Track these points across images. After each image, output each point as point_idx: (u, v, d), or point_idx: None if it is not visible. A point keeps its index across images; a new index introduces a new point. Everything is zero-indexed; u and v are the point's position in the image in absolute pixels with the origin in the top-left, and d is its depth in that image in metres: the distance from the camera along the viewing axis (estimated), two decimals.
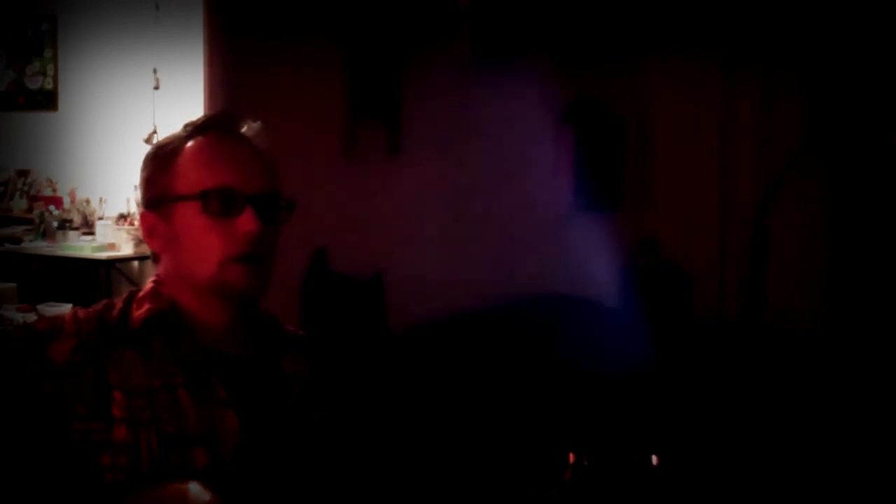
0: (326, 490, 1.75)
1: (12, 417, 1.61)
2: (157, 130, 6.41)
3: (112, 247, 7.17)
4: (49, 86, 8.04)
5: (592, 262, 5.34)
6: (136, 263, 7.14)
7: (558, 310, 4.83)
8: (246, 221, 1.71)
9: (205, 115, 1.88)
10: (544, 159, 5.26)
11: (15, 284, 6.92)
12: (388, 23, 4.20)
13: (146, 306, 1.74)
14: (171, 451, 1.64)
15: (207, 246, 1.72)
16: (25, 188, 8.18)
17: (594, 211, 5.54)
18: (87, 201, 7.80)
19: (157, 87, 6.12)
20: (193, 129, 1.83)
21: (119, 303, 1.78)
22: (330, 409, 1.82)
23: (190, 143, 1.78)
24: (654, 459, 1.61)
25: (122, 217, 7.45)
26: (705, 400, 4.50)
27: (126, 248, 7.17)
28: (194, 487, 1.55)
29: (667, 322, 5.31)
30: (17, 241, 7.53)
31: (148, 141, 7.12)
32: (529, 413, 4.13)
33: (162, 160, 1.79)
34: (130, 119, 7.13)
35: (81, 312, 1.74)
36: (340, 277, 3.91)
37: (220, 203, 1.72)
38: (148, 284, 1.82)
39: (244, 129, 1.83)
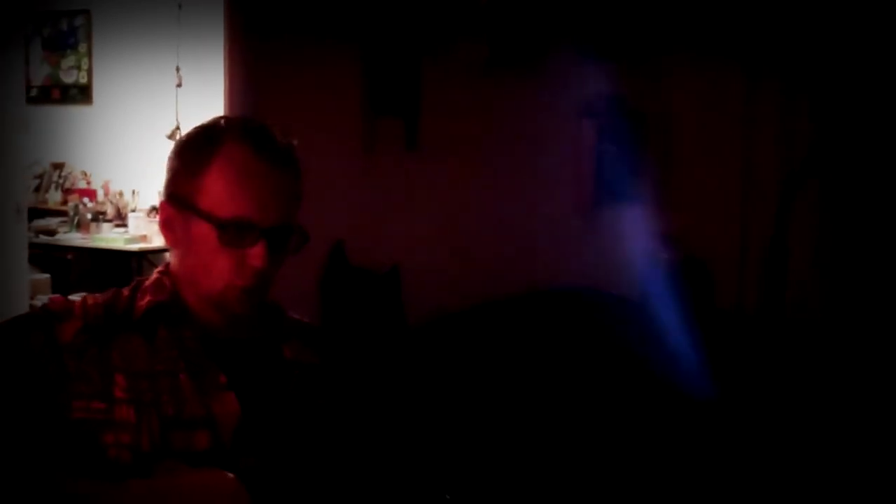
0: (325, 474, 1.79)
1: (15, 388, 1.68)
2: (180, 127, 6.50)
3: (144, 238, 7.29)
4: (84, 80, 8.14)
5: (613, 256, 5.38)
6: (167, 255, 7.23)
7: (576, 302, 4.87)
8: (257, 256, 1.72)
9: (243, 121, 1.83)
10: (565, 154, 5.29)
11: (48, 275, 7.06)
12: (406, 21, 4.26)
13: (148, 298, 1.78)
14: (172, 432, 1.69)
15: (215, 267, 1.73)
16: (60, 181, 8.30)
17: (615, 206, 5.57)
18: (120, 194, 7.92)
19: (179, 85, 6.20)
20: (229, 133, 1.78)
21: (126, 291, 1.83)
22: (331, 396, 1.85)
23: (222, 153, 1.73)
24: None
25: (154, 209, 7.57)
26: (725, 392, 4.51)
27: (157, 240, 7.27)
28: (225, 479, 1.62)
29: (688, 314, 5.33)
30: (52, 232, 7.65)
31: (171, 137, 7.22)
32: (546, 405, 4.17)
33: (191, 160, 1.76)
34: (158, 114, 7.24)
35: (91, 299, 1.80)
36: (358, 270, 3.98)
37: (234, 235, 1.72)
38: (154, 274, 1.85)
39: (280, 148, 1.78)
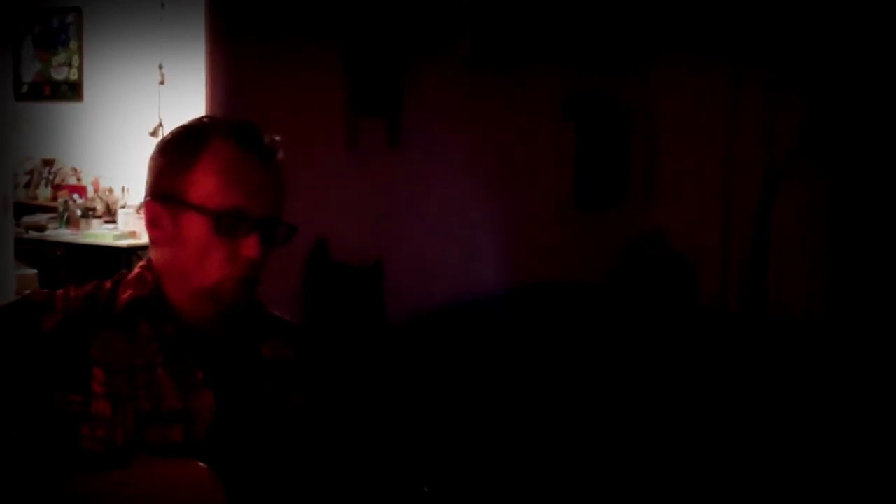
0: (299, 470, 1.81)
1: None
2: (163, 124, 6.54)
3: (133, 234, 7.34)
4: (74, 77, 8.19)
5: (595, 254, 5.42)
6: None
7: (556, 297, 4.90)
8: (251, 247, 1.74)
9: (227, 119, 1.86)
10: (547, 153, 5.33)
11: (36, 271, 7.10)
12: (388, 20, 4.29)
13: (129, 292, 1.79)
14: (147, 426, 1.71)
15: (209, 260, 1.75)
16: (50, 177, 8.35)
17: (597, 204, 5.61)
18: (110, 190, 7.98)
19: (162, 83, 6.23)
20: (214, 129, 1.79)
21: (108, 284, 1.84)
22: (309, 394, 1.86)
23: (209, 148, 1.74)
24: None
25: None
26: (704, 389, 4.54)
27: (146, 236, 7.33)
28: (198, 469, 1.64)
29: (669, 311, 5.37)
30: (42, 228, 7.71)
31: (154, 134, 7.28)
32: (526, 403, 4.20)
33: (177, 157, 1.76)
34: (147, 112, 7.29)
35: (72, 291, 1.80)
36: (340, 266, 4.01)
37: (229, 226, 1.73)
38: (136, 269, 1.85)
39: (266, 144, 1.79)
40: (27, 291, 5.43)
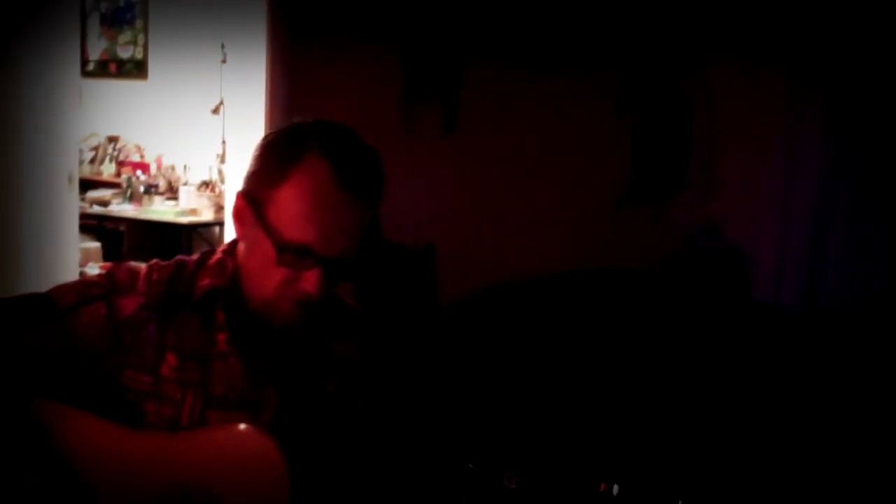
0: (352, 474, 1.82)
1: (73, 351, 1.74)
2: (224, 102, 6.59)
3: (194, 212, 7.44)
4: (139, 55, 8.29)
5: (649, 245, 5.41)
6: (216, 229, 7.38)
7: (607, 282, 4.90)
8: (310, 282, 1.68)
9: (331, 131, 1.72)
10: (603, 144, 5.33)
11: (99, 244, 7.23)
12: (449, 13, 4.30)
13: (208, 280, 1.79)
14: (211, 411, 1.74)
15: (269, 279, 1.71)
16: (115, 153, 8.47)
17: (653, 196, 5.60)
18: (172, 168, 8.09)
19: (224, 61, 6.28)
20: (314, 142, 1.68)
21: (191, 266, 1.83)
22: (371, 399, 1.86)
23: (302, 167, 1.66)
24: None
25: (205, 184, 7.72)
26: (753, 381, 4.52)
27: (207, 214, 7.43)
28: (256, 433, 1.67)
29: (722, 302, 5.35)
30: (106, 203, 7.82)
31: (215, 112, 7.36)
32: (574, 384, 4.21)
33: (272, 166, 1.70)
34: (209, 91, 7.37)
35: (155, 273, 1.80)
36: (393, 246, 4.05)
37: (291, 259, 1.67)
38: (218, 253, 1.84)
39: (362, 165, 1.70)
40: (93, 266, 5.53)
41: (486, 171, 4.70)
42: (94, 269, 6.40)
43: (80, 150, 7.39)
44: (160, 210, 7.59)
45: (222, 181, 7.34)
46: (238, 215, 1.74)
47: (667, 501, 1.67)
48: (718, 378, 4.45)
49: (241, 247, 1.77)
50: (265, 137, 1.76)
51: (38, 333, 1.72)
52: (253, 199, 1.70)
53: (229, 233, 5.15)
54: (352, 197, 1.66)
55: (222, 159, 7.21)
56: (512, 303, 4.47)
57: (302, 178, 1.66)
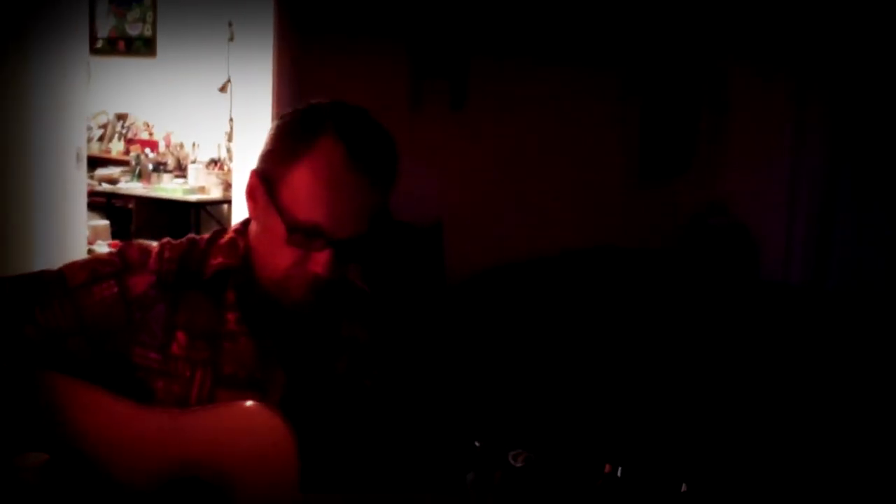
0: (360, 452, 1.81)
1: (83, 327, 1.75)
2: (232, 80, 6.60)
3: (202, 190, 7.45)
4: (148, 33, 8.29)
5: (658, 222, 5.41)
6: (224, 206, 7.40)
7: (614, 260, 4.90)
8: (319, 263, 1.68)
9: (346, 113, 1.70)
10: (612, 122, 5.32)
11: (108, 222, 7.25)
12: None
13: (220, 259, 1.79)
14: (220, 389, 1.74)
15: (279, 258, 1.71)
16: (123, 131, 8.48)
17: (662, 174, 5.59)
18: (181, 145, 8.10)
19: (231, 39, 6.28)
20: (329, 124, 1.67)
21: (202, 244, 1.83)
22: (377, 378, 1.85)
23: (316, 149, 1.65)
24: (684, 487, 1.61)
25: (213, 162, 7.74)
26: (760, 358, 4.52)
27: (215, 192, 7.45)
28: (265, 410, 1.67)
29: (730, 281, 5.35)
30: (114, 181, 7.85)
31: (223, 90, 7.37)
32: (583, 364, 4.21)
33: (286, 147, 1.69)
34: (218, 68, 7.38)
35: (167, 251, 1.80)
36: (401, 224, 4.06)
37: (302, 239, 1.67)
38: (230, 232, 1.84)
39: (376, 148, 1.69)
40: (101, 243, 5.54)
41: (494, 149, 4.70)
42: (102, 247, 6.42)
43: (89, 128, 7.42)
44: (169, 188, 7.61)
45: (230, 159, 7.35)
46: (251, 193, 1.73)
47: (671, 483, 1.68)
48: (725, 356, 4.45)
49: (254, 225, 1.77)
50: (280, 117, 1.75)
51: (50, 309, 1.74)
52: (266, 178, 1.69)
53: (237, 211, 5.18)
54: (364, 180, 1.66)
55: (230, 137, 7.22)
56: (519, 281, 4.47)
57: (315, 160, 1.65)
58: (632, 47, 5.21)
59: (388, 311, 1.92)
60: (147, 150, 8.11)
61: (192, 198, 7.40)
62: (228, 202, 6.98)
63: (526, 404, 3.83)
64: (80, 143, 5.12)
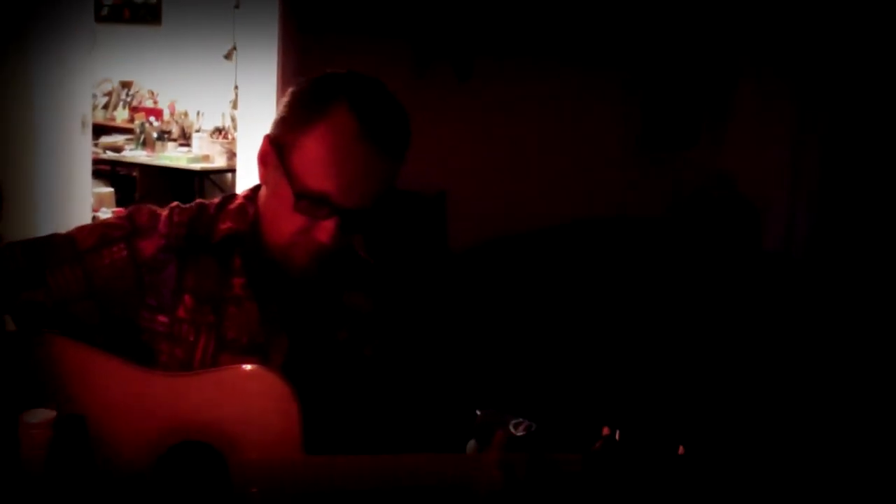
0: (362, 419, 1.83)
1: (92, 288, 1.77)
2: (237, 48, 6.58)
3: (206, 158, 7.46)
4: (153, 0, 8.26)
5: (662, 193, 5.42)
6: (228, 175, 7.41)
7: (619, 230, 4.92)
8: (324, 232, 1.68)
9: (362, 85, 1.70)
10: (617, 91, 5.32)
11: (112, 190, 7.27)
12: None
13: (229, 224, 1.81)
14: (224, 353, 1.76)
15: (285, 224, 1.72)
16: (128, 99, 8.47)
17: (667, 145, 5.60)
18: (185, 114, 8.10)
19: (237, 6, 6.26)
20: (343, 95, 1.67)
21: (212, 209, 1.85)
22: (378, 347, 1.87)
23: (329, 118, 1.65)
24: (681, 449, 1.67)
25: (218, 131, 7.74)
26: (761, 328, 4.53)
27: (220, 161, 7.46)
28: (267, 373, 1.70)
29: (732, 251, 5.36)
30: (119, 149, 7.85)
31: (227, 57, 7.35)
32: (585, 334, 4.23)
33: (300, 113, 1.69)
34: (217, 36, 7.36)
35: (176, 215, 1.81)
36: (404, 193, 4.06)
37: (308, 207, 1.67)
38: (241, 197, 1.86)
39: (388, 122, 1.69)
40: (105, 210, 5.55)
41: (499, 118, 4.70)
42: (106, 214, 6.43)
43: (94, 96, 7.41)
44: (173, 156, 7.61)
45: (235, 128, 7.35)
46: (263, 158, 1.74)
47: (668, 445, 1.70)
48: (726, 325, 4.47)
49: (263, 191, 1.79)
50: (296, 84, 1.75)
51: (60, 273, 1.76)
52: (278, 143, 1.70)
53: (242, 179, 5.19)
54: (375, 151, 1.66)
55: (234, 105, 7.22)
56: (522, 250, 4.49)
57: (327, 128, 1.66)
58: (642, 27, 5.21)
59: (391, 281, 1.94)
60: (151, 119, 8.11)
61: (196, 166, 7.41)
62: (232, 171, 6.99)
63: (527, 373, 3.85)
64: (85, 111, 5.13)
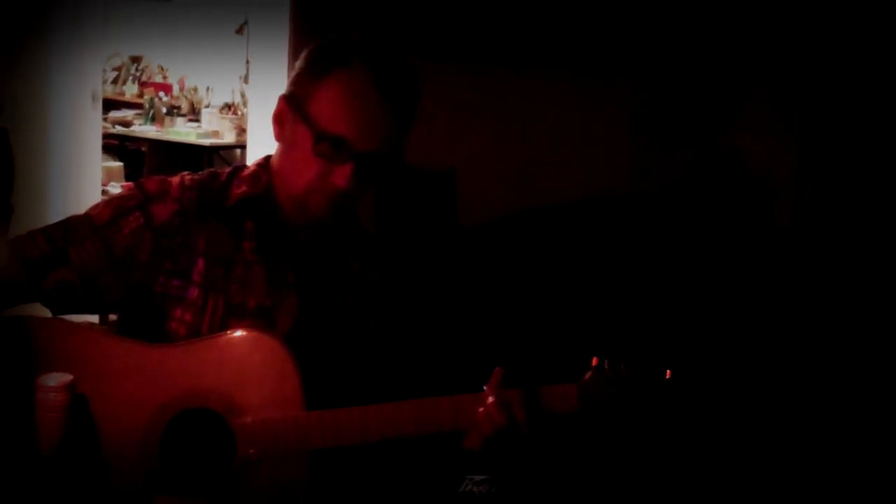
0: (362, 376, 1.86)
1: (116, 257, 1.79)
2: (248, 22, 6.58)
3: (216, 134, 7.47)
4: None
5: (669, 172, 5.42)
6: (238, 151, 7.42)
7: (628, 207, 4.92)
8: (342, 176, 1.73)
9: (377, 46, 1.80)
10: (623, 69, 5.31)
11: (122, 164, 7.29)
12: None
13: (243, 188, 1.85)
14: (231, 318, 1.79)
15: (303, 172, 1.77)
16: (138, 74, 8.48)
17: (672, 122, 5.59)
18: (195, 89, 8.10)
19: None
20: (359, 54, 1.76)
21: (223, 176, 1.89)
22: (384, 318, 1.91)
23: (346, 70, 1.74)
24: (668, 373, 1.72)
25: (227, 106, 7.74)
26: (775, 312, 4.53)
27: (229, 136, 7.47)
28: (264, 336, 1.73)
29: (741, 231, 5.36)
30: (128, 124, 7.86)
31: (239, 32, 7.35)
32: (592, 310, 4.24)
33: (316, 65, 1.77)
34: (228, 11, 7.35)
35: (188, 180, 1.86)
36: (414, 170, 4.07)
37: (327, 149, 1.73)
38: (253, 166, 1.90)
39: (401, 81, 1.77)
40: (115, 185, 5.56)
41: (510, 98, 4.71)
42: (115, 188, 6.46)
43: (103, 70, 7.42)
44: (182, 131, 7.62)
45: (244, 104, 7.35)
46: (278, 118, 1.81)
47: (656, 371, 1.74)
48: (729, 292, 4.46)
49: (278, 150, 1.84)
50: (311, 46, 1.82)
51: (83, 248, 1.79)
52: (295, 97, 1.77)
53: (252, 155, 5.19)
54: (387, 100, 1.74)
55: (246, 79, 7.21)
56: (531, 227, 4.50)
57: (344, 76, 1.74)
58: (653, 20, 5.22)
59: (399, 255, 1.97)
60: (161, 94, 8.12)
61: (206, 142, 7.42)
62: (242, 147, 7.00)
63: (532, 350, 3.86)
64: (96, 85, 5.14)
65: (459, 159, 4.47)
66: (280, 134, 1.81)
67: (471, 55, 4.67)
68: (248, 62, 6.89)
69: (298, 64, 1.81)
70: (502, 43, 4.65)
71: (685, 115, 5.65)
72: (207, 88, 8.04)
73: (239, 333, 1.76)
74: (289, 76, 1.84)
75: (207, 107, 7.86)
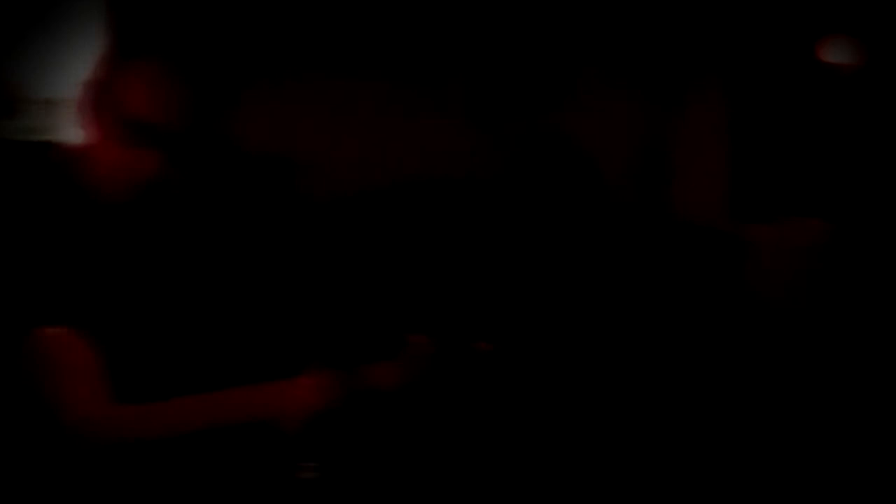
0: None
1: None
2: None
3: None
4: None
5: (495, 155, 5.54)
6: None
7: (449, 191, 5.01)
8: (147, 160, 1.90)
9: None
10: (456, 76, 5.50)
11: None
12: None
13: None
14: None
15: (104, 156, 1.91)
16: None
17: (507, 110, 5.72)
18: None
19: None
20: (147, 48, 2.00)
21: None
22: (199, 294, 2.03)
23: (132, 61, 1.92)
24: (484, 346, 1.86)
25: None
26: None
27: None
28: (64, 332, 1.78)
29: (570, 204, 5.42)
30: None
31: None
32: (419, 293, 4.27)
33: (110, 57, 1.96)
34: None
35: None
36: (250, 156, 4.13)
37: (128, 133, 1.88)
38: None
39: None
40: None
41: (347, 90, 4.86)
42: None
43: None
44: None
45: None
46: (79, 105, 1.93)
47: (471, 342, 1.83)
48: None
49: (80, 135, 1.92)
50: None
51: None
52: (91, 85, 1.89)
53: None
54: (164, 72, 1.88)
55: None
56: (365, 209, 4.58)
57: (131, 64, 1.89)
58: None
59: (227, 234, 2.05)
60: None
61: None
62: None
63: (352, 328, 3.85)
64: None
65: (320, 149, 4.62)
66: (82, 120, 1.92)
67: (324, 68, 4.84)
68: None
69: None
70: (353, 59, 4.83)
71: (517, 102, 5.77)
72: None
73: (41, 332, 1.80)
74: None
75: None
